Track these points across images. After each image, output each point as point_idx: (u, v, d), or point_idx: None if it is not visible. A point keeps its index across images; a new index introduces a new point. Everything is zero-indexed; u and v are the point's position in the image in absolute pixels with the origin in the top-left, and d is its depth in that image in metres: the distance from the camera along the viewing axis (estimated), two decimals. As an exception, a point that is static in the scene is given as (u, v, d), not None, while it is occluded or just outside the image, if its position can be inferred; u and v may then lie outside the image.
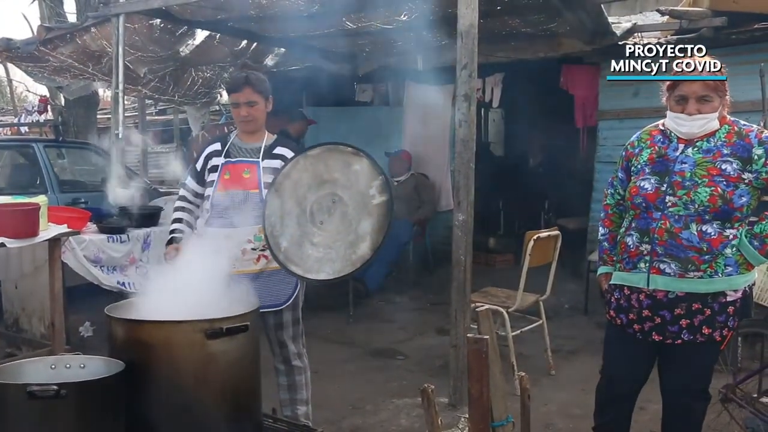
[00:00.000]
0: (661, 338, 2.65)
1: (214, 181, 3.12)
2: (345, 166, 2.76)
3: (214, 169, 3.13)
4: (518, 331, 4.60)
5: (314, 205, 2.79)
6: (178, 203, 3.30)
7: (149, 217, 4.97)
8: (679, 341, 2.61)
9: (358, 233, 2.69)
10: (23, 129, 12.86)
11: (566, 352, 5.17)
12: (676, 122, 2.62)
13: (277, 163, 3.04)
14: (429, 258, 7.76)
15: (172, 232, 3.22)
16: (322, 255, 2.75)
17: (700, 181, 2.53)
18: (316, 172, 2.81)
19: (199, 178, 3.22)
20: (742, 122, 2.61)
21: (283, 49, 7.36)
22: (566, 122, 7.60)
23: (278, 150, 3.11)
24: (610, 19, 5.90)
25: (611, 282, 2.81)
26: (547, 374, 4.64)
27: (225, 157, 3.13)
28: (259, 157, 3.09)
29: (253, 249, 3.04)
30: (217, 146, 3.21)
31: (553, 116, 8.35)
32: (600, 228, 2.96)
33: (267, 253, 2.95)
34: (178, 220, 3.25)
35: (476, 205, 4.05)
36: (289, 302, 3.11)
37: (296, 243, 2.78)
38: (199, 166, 3.22)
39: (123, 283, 4.55)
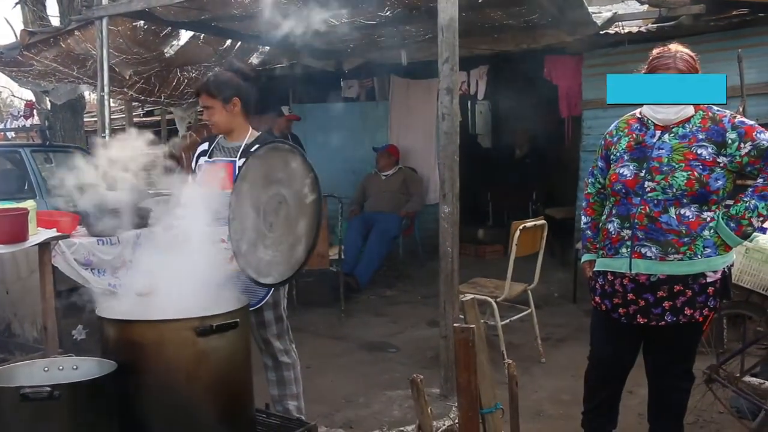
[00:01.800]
0: (645, 321, 2.71)
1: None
2: (285, 165, 2.68)
3: (200, 168, 3.18)
4: (507, 321, 4.65)
5: (266, 206, 2.73)
6: None
7: (139, 219, 4.98)
8: (663, 323, 2.67)
9: (297, 234, 2.59)
10: (9, 134, 12.81)
11: (556, 340, 5.22)
12: (653, 109, 2.68)
13: None
14: (419, 251, 7.82)
15: None
16: (271, 258, 2.68)
17: (677, 166, 2.59)
18: (265, 172, 2.76)
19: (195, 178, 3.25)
20: (716, 108, 2.67)
21: (267, 47, 7.37)
22: (552, 113, 7.66)
23: (255, 149, 3.06)
24: (591, 9, 5.95)
25: (595, 269, 2.87)
26: (538, 362, 4.69)
27: (209, 157, 3.17)
28: (236, 156, 3.09)
29: (226, 249, 2.98)
30: (205, 146, 3.26)
31: (540, 107, 8.41)
32: (582, 216, 3.02)
33: None
34: None
35: (465, 197, 4.09)
36: (265, 301, 3.10)
37: (253, 245, 2.73)
38: (193, 166, 3.27)
39: (114, 286, 4.55)
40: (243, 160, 3.04)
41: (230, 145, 3.16)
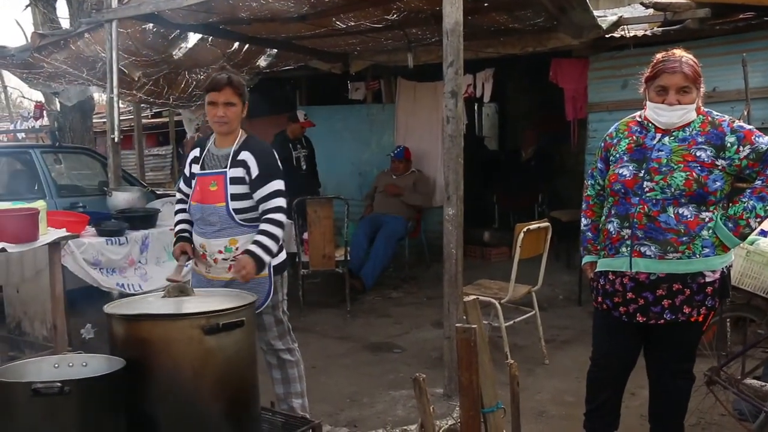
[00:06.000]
0: (645, 319, 2.74)
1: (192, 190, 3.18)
2: None
3: (193, 177, 3.19)
4: (511, 322, 4.68)
5: None
6: (177, 206, 3.36)
7: (147, 219, 5.05)
8: (662, 321, 2.71)
9: None
10: (20, 135, 12.92)
11: (560, 341, 5.24)
12: (656, 112, 2.71)
13: (240, 172, 3.04)
14: (425, 253, 7.85)
15: (178, 233, 3.26)
16: None
17: (675, 167, 2.63)
18: None
19: (187, 181, 3.27)
20: (715, 113, 2.71)
21: (275, 50, 7.42)
22: (558, 115, 7.68)
23: (242, 156, 3.09)
24: (597, 13, 5.97)
25: (597, 269, 2.90)
26: (542, 363, 4.71)
27: (200, 167, 3.16)
28: (226, 166, 3.08)
29: (224, 259, 3.10)
30: (196, 152, 3.24)
31: (546, 109, 8.42)
32: (582, 219, 3.05)
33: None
34: (180, 222, 3.29)
35: (471, 199, 4.10)
36: (263, 307, 3.14)
37: None
38: (186, 171, 3.28)
39: (122, 285, 4.61)
40: (233, 169, 3.07)
41: (221, 152, 3.14)
